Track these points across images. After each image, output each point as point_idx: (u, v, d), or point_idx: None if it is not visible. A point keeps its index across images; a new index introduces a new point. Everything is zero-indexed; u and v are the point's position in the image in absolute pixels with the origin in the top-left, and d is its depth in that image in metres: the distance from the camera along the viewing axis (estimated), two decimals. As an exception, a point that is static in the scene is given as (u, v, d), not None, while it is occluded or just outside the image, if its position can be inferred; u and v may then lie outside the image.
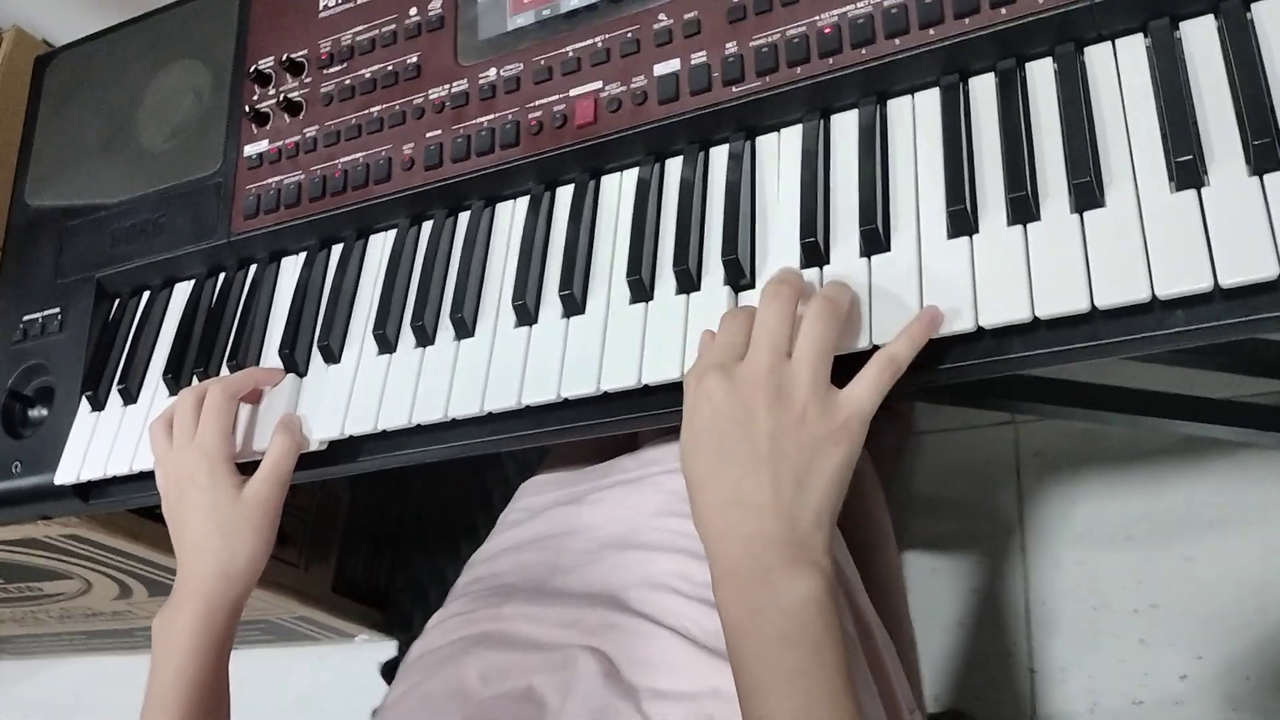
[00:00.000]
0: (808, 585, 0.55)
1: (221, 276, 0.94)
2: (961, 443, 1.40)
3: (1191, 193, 0.58)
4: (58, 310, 0.98)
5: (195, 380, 0.88)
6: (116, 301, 0.98)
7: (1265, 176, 0.57)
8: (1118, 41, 0.65)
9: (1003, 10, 0.66)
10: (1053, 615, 1.28)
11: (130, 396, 0.91)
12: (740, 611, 0.57)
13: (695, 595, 0.73)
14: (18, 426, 0.97)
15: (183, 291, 0.95)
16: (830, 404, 0.58)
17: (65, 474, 0.91)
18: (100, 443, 0.90)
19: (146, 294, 0.97)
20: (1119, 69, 0.64)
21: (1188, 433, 1.08)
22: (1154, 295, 0.57)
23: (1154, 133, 0.61)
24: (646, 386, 0.70)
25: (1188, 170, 0.58)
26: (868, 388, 0.58)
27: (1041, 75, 0.67)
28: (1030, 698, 1.26)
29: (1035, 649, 1.28)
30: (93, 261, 0.98)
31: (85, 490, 0.93)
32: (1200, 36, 0.63)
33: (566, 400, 0.72)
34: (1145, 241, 0.58)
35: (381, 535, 1.65)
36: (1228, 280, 0.55)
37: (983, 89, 0.68)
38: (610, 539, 0.80)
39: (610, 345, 0.72)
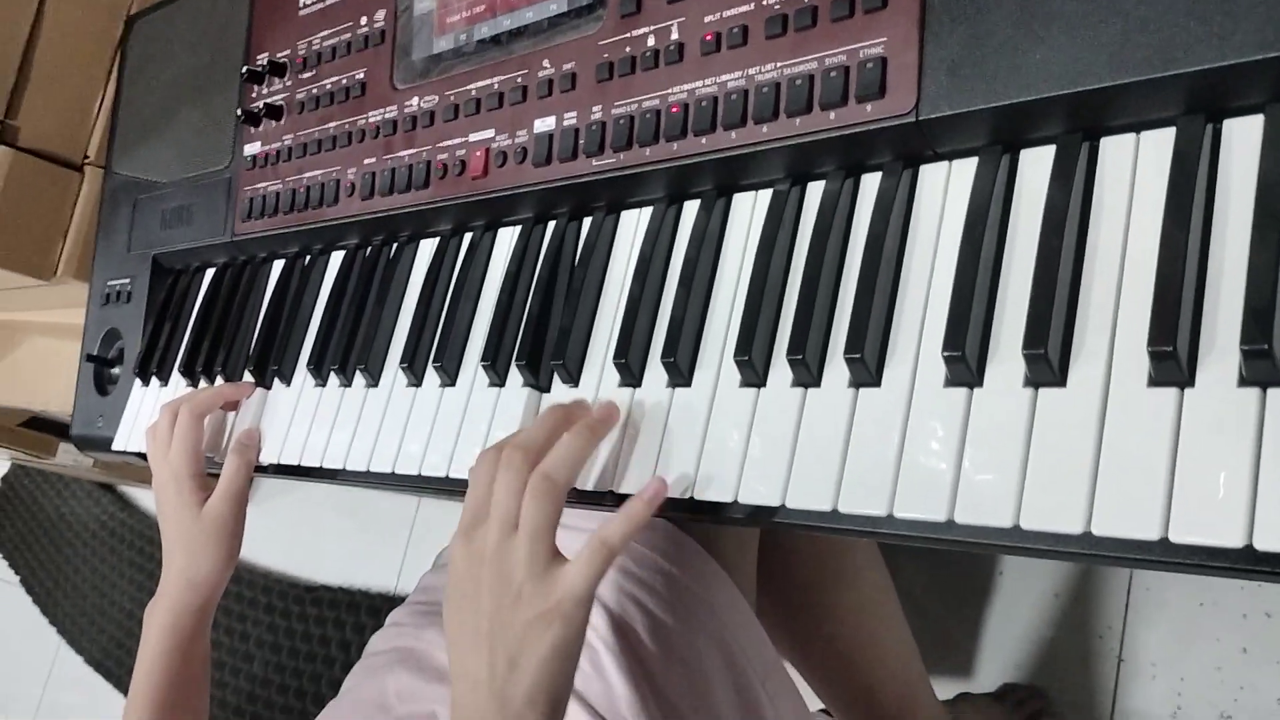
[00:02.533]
0: None
1: (233, 270, 0.99)
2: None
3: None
4: (128, 280, 1.09)
5: (202, 381, 0.95)
6: (170, 278, 1.07)
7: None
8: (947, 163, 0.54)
9: (831, 115, 0.56)
10: (1156, 604, 1.17)
11: (164, 380, 1.00)
12: None
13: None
14: (105, 384, 1.10)
15: (209, 279, 1.02)
16: (546, 585, 0.57)
17: (119, 442, 1.03)
18: (144, 418, 1.01)
19: (185, 276, 1.04)
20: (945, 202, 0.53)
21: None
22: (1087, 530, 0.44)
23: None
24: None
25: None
26: (581, 570, 0.57)
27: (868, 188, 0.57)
28: (1114, 688, 1.17)
29: (1129, 637, 1.17)
30: (151, 239, 1.07)
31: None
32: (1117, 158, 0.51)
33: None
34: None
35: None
36: (1178, 538, 0.42)
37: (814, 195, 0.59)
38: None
39: (467, 426, 0.71)
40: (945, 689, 1.23)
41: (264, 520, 2.21)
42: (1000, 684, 1.23)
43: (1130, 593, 1.18)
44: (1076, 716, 1.18)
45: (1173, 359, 0.42)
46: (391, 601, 1.90)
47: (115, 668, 2.35)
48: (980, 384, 0.49)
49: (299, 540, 2.15)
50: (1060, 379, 0.46)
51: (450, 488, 0.73)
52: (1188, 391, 0.43)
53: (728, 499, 0.56)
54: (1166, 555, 0.43)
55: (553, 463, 0.59)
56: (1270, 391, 0.41)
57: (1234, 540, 0.41)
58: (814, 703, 1.02)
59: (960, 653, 1.28)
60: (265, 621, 2.09)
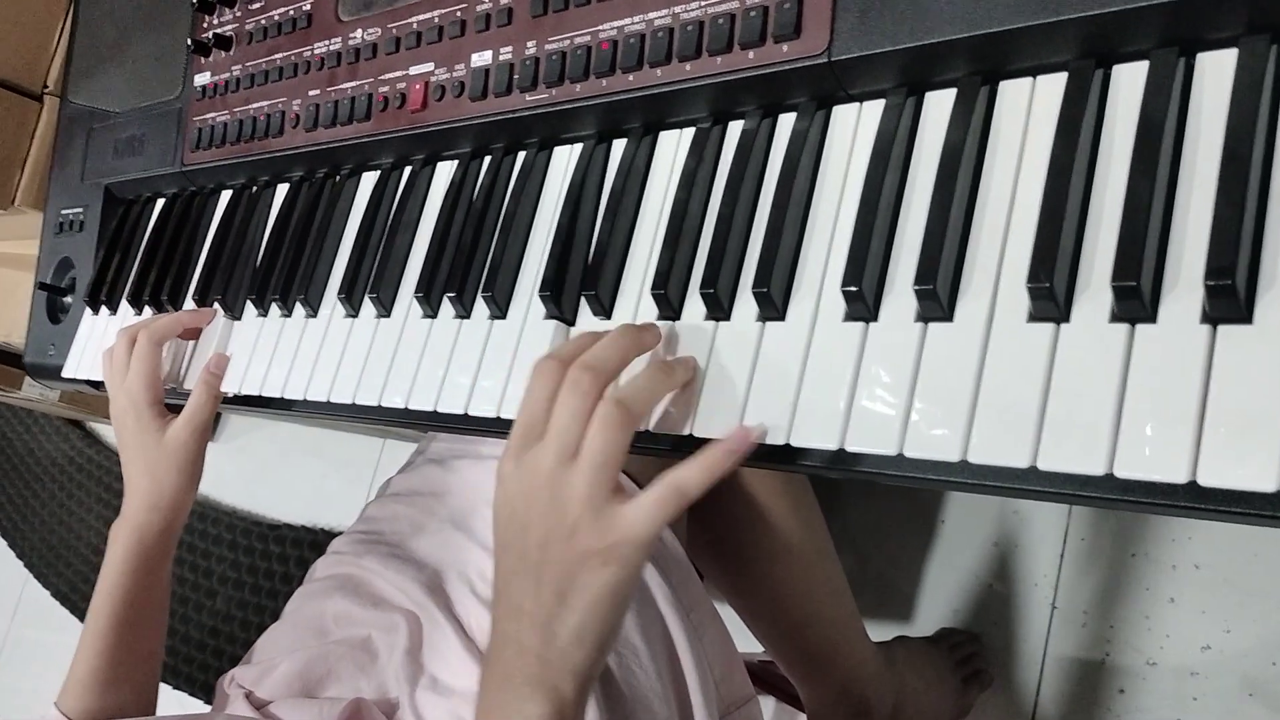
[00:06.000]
0: (537, 711, 0.53)
1: (182, 200, 1.00)
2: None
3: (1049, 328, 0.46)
4: (81, 210, 1.09)
5: (148, 310, 0.96)
6: (122, 208, 1.07)
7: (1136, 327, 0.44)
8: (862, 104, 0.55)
9: (750, 54, 0.57)
10: (1090, 553, 1.20)
11: (113, 308, 1.01)
12: (482, 708, 0.57)
13: (487, 597, 0.76)
14: (57, 313, 1.11)
15: (158, 209, 1.02)
16: (604, 522, 0.53)
17: (69, 369, 1.04)
18: (93, 346, 1.02)
19: (136, 206, 1.05)
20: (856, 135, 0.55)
21: None
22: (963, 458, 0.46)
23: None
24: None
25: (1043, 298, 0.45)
26: (646, 513, 0.53)
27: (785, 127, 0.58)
28: (1046, 634, 1.20)
29: (1063, 585, 1.20)
30: (103, 168, 1.07)
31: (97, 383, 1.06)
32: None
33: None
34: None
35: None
36: (1046, 466, 0.44)
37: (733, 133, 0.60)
38: (454, 514, 0.83)
39: (399, 356, 0.73)
40: (884, 632, 1.25)
41: (229, 459, 2.22)
42: (937, 628, 1.26)
43: (1066, 543, 1.21)
44: (1010, 661, 1.22)
45: (1049, 295, 0.44)
46: (352, 540, 1.91)
47: (81, 601, 2.37)
48: (875, 319, 0.50)
49: (264, 479, 2.16)
50: (948, 314, 0.48)
51: (384, 418, 0.74)
52: (1064, 327, 0.45)
53: (642, 427, 0.57)
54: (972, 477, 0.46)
55: (632, 393, 0.54)
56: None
57: (1096, 469, 0.43)
58: (753, 645, 1.04)
59: (900, 598, 1.31)
60: (229, 559, 2.11)
